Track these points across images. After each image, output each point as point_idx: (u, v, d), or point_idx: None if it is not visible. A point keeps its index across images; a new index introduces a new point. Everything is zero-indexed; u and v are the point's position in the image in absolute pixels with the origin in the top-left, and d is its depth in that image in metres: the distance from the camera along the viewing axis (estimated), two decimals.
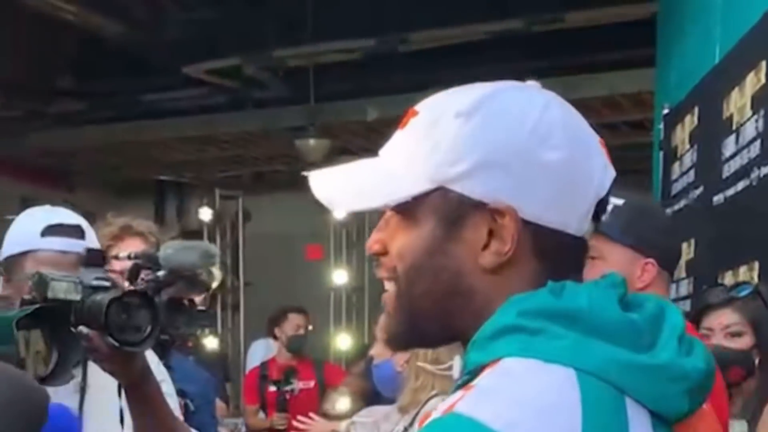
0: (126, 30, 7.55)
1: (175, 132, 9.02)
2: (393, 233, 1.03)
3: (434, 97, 1.04)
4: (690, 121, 4.01)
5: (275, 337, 6.40)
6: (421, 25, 7.16)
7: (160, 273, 1.95)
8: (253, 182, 10.83)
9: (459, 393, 0.91)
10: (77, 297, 1.77)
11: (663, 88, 5.08)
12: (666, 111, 4.53)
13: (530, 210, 0.96)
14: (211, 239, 9.38)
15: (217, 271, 2.04)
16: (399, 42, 7.35)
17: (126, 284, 1.89)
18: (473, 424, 0.85)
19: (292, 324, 6.37)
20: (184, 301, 2.07)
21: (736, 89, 3.27)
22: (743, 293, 2.52)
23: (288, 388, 5.86)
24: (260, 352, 7.38)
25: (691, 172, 3.92)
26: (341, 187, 1.04)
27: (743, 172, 3.19)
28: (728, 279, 3.19)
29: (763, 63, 3.01)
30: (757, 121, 3.07)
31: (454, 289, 0.99)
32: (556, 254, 0.98)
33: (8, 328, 1.52)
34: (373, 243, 1.05)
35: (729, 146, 3.35)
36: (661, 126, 4.59)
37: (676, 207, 4.05)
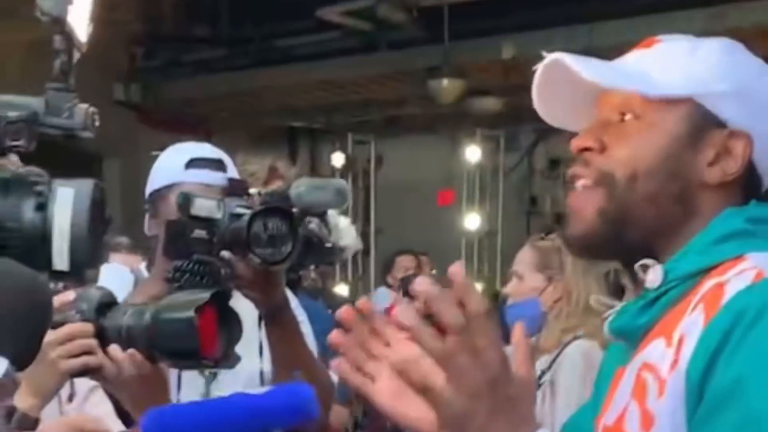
0: None
1: (310, 77, 9.04)
2: (620, 135, 1.09)
3: (679, 35, 1.16)
4: None
5: (389, 285, 6.42)
6: None
7: (294, 210, 1.93)
8: (386, 126, 10.81)
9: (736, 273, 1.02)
10: (219, 216, 1.78)
11: None
12: None
13: (759, 143, 1.09)
14: None
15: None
16: None
17: None
18: None
19: (400, 267, 6.37)
20: (313, 238, 2.04)
21: None
22: None
23: None
24: (381, 299, 7.39)
25: None
26: (605, 70, 1.12)
27: None
28: None
29: None
30: None
31: (678, 196, 1.07)
32: (761, 182, 1.12)
33: (189, 319, 1.51)
34: (587, 139, 1.11)
35: None
36: None
37: None
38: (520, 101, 9.57)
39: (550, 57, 1.12)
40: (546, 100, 1.19)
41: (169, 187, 2.09)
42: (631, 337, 1.10)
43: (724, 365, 0.94)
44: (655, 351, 1.03)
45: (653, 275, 1.06)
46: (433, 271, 7.09)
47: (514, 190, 10.64)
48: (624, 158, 1.09)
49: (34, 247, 0.98)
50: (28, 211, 0.99)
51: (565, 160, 10.66)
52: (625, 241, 1.10)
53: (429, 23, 8.05)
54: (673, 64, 1.10)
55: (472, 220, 9.98)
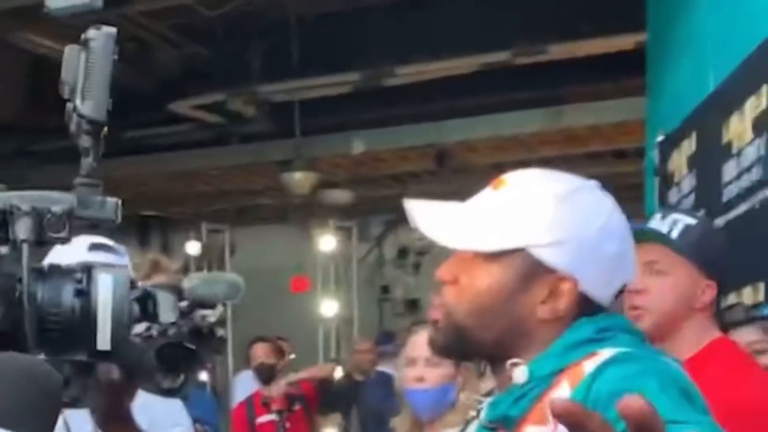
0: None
1: (161, 168, 9.02)
2: (469, 271, 1.27)
3: (528, 173, 1.31)
4: (688, 146, 4.07)
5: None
6: (407, 59, 7.24)
7: (183, 304, 1.97)
8: (239, 216, 10.83)
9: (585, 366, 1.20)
10: None
11: (656, 115, 5.16)
12: (661, 137, 4.59)
13: (585, 284, 1.25)
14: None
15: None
16: (385, 76, 7.43)
17: None
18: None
19: (256, 354, 6.38)
20: (203, 330, 2.10)
21: (736, 114, 3.34)
22: (766, 311, 2.57)
23: (288, 414, 5.83)
24: (245, 385, 7.35)
25: (692, 196, 3.98)
26: (443, 225, 1.28)
27: (745, 196, 3.24)
28: (731, 300, 3.24)
29: (764, 87, 3.07)
30: (758, 144, 3.13)
31: (511, 328, 1.26)
32: (600, 305, 1.28)
33: None
34: (446, 273, 1.30)
35: (729, 170, 3.41)
36: (655, 152, 4.65)
37: None
38: (370, 193, 9.84)
39: (407, 206, 1.29)
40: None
41: None
42: (508, 425, 1.27)
43: (594, 394, 1.15)
44: None
45: (519, 374, 1.24)
46: (292, 356, 7.12)
47: (366, 277, 10.81)
48: (468, 294, 1.28)
49: (76, 329, 1.05)
50: (67, 297, 1.08)
51: (412, 249, 10.95)
52: (469, 354, 1.37)
53: (280, 117, 8.19)
54: (510, 216, 1.26)
55: (329, 307, 10.08)
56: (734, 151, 3.37)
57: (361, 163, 8.11)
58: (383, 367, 6.21)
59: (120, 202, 1.16)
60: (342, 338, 10.09)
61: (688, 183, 4.06)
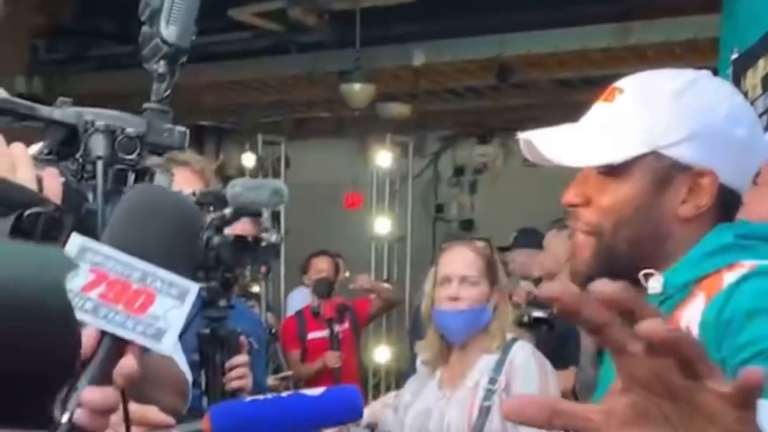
0: None
1: (219, 76, 8.94)
2: (599, 189, 1.26)
3: (638, 77, 1.29)
4: (763, 66, 3.89)
5: (306, 285, 6.40)
6: None
7: (227, 211, 1.90)
8: (296, 128, 10.75)
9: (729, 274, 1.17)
10: None
11: (730, 34, 4.93)
12: (735, 56, 4.39)
13: (723, 175, 1.23)
14: None
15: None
16: None
17: None
18: None
19: (315, 268, 6.36)
20: (248, 238, 2.02)
21: None
22: None
23: (338, 327, 5.79)
24: (298, 300, 7.35)
25: (764, 118, 3.81)
26: (566, 147, 1.26)
27: None
28: None
29: None
30: None
31: (655, 234, 1.25)
32: (731, 208, 1.27)
33: None
34: (574, 196, 1.28)
35: None
36: (729, 71, 4.45)
37: None
38: (429, 107, 9.68)
39: (523, 137, 1.27)
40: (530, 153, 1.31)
41: None
42: None
43: (731, 308, 1.12)
44: None
45: (654, 283, 1.23)
46: (347, 274, 7.09)
47: (420, 196, 10.70)
48: (604, 210, 1.26)
49: None
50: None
51: (469, 167, 10.79)
52: (616, 272, 1.20)
53: (340, 27, 8.03)
54: (631, 123, 1.24)
55: (382, 225, 9.99)
56: None
57: (421, 76, 7.93)
58: None
59: (187, 132, 1.15)
60: (394, 257, 10.04)
61: (762, 103, 3.87)
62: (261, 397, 1.25)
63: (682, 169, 1.23)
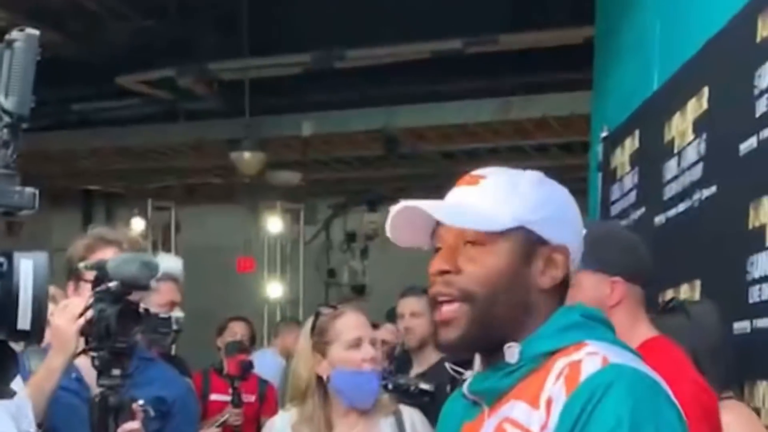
0: (60, 39, 7.43)
1: (107, 142, 8.90)
2: (468, 259, 1.37)
3: (493, 169, 1.43)
4: (631, 143, 4.11)
5: (218, 348, 6.35)
6: (358, 43, 7.22)
7: (113, 284, 1.96)
8: (186, 194, 10.74)
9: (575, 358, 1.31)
10: None
11: (600, 111, 5.21)
12: (605, 133, 4.64)
13: (572, 253, 1.41)
14: None
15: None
16: (336, 58, 7.40)
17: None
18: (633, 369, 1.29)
19: (231, 331, 6.34)
20: (140, 309, 2.07)
21: (678, 114, 3.38)
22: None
23: (243, 386, 5.72)
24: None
25: (632, 194, 4.02)
26: (452, 212, 1.38)
27: (685, 194, 3.29)
28: (669, 296, 3.29)
29: (705, 89, 3.12)
30: (698, 144, 3.17)
31: (523, 302, 1.37)
32: (568, 284, 1.43)
33: None
34: (444, 263, 1.38)
35: (670, 169, 3.45)
36: (599, 148, 4.70)
37: None
38: (318, 176, 9.81)
39: (404, 203, 1.38)
40: (395, 229, 1.43)
41: None
42: (488, 398, 1.39)
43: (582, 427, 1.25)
44: (518, 410, 1.33)
45: (511, 354, 1.35)
46: (238, 337, 7.04)
47: (313, 260, 10.79)
48: (480, 278, 1.36)
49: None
50: None
51: (360, 234, 10.94)
52: (490, 339, 1.38)
53: (230, 96, 8.12)
54: (501, 200, 1.38)
55: (275, 289, 10.05)
56: (675, 150, 3.41)
57: (311, 145, 8.07)
58: None
59: (37, 192, 1.23)
60: (287, 320, 10.06)
61: (630, 180, 4.10)
62: None
63: (542, 244, 1.38)
